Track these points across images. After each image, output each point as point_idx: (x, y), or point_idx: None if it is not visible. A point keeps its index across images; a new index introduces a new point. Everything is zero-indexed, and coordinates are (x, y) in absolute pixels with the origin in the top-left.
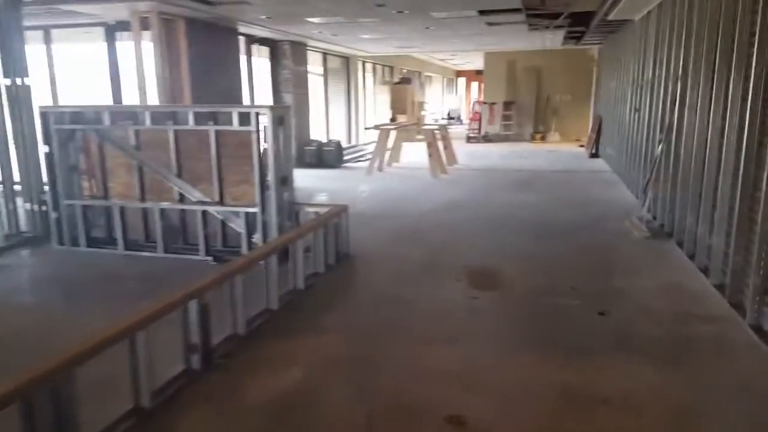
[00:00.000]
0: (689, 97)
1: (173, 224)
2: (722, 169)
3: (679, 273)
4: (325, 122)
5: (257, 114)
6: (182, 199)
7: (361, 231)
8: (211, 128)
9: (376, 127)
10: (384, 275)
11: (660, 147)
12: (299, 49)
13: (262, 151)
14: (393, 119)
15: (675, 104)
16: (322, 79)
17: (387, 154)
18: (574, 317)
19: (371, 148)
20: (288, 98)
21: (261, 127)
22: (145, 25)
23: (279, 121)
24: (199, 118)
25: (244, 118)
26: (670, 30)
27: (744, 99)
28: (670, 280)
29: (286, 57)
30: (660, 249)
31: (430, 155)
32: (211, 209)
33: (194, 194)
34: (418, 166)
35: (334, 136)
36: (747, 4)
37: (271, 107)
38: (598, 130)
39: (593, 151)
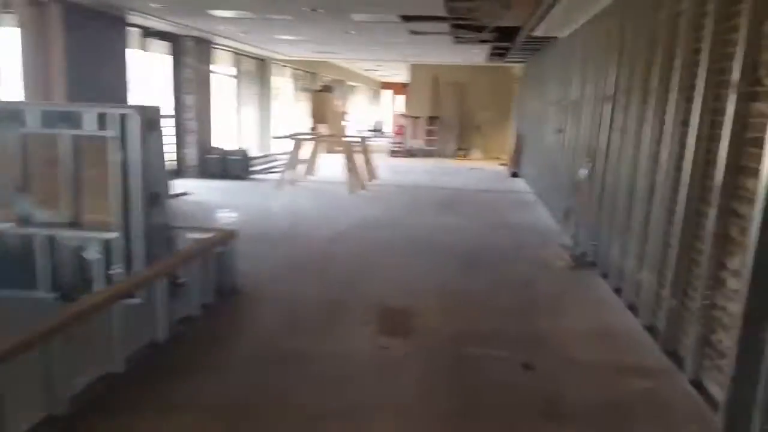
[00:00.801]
0: (618, 119)
1: (13, 250)
2: (656, 199)
3: (606, 311)
4: (236, 129)
5: (121, 116)
6: (27, 219)
7: (257, 259)
8: (64, 132)
9: (288, 137)
10: (276, 319)
11: (584, 171)
12: (204, 47)
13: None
14: (313, 129)
15: (602, 126)
16: (234, 81)
17: (301, 167)
18: (498, 374)
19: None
20: (190, 100)
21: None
22: (6, 4)
23: (149, 125)
24: (51, 118)
25: (110, 120)
26: (598, 47)
27: (684, 123)
28: (599, 321)
29: (188, 55)
30: (584, 282)
31: (348, 170)
32: (62, 233)
33: (41, 214)
34: (336, 181)
35: (246, 145)
36: (690, 17)
37: (138, 108)
38: (518, 150)
39: (514, 170)
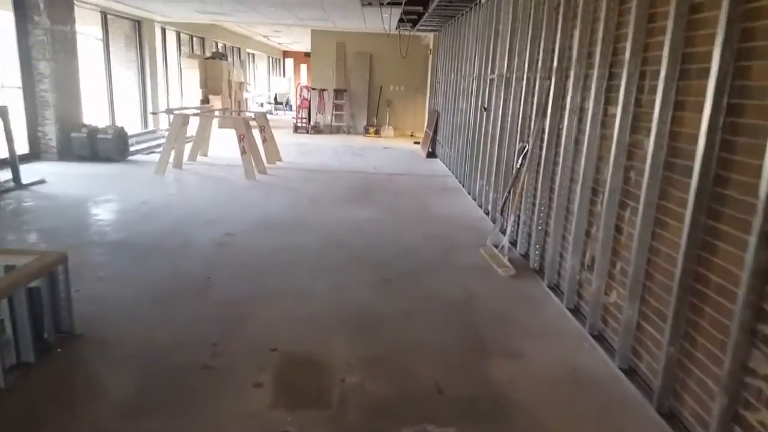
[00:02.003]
0: (570, 97)
1: None
2: (643, 199)
3: (570, 346)
4: (108, 102)
5: None
6: None
7: (114, 281)
8: None
9: (167, 112)
10: (122, 384)
11: (521, 158)
12: (60, 3)
13: None
14: (205, 101)
15: (546, 106)
16: (102, 45)
17: (189, 147)
18: None
19: None
20: (44, 68)
21: None
22: None
23: None
24: None
25: None
26: (538, 10)
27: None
28: (563, 362)
29: (39, 12)
30: (533, 297)
31: (242, 152)
32: None
33: None
34: (233, 163)
35: (126, 121)
36: None
37: None
38: (434, 128)
39: (430, 149)
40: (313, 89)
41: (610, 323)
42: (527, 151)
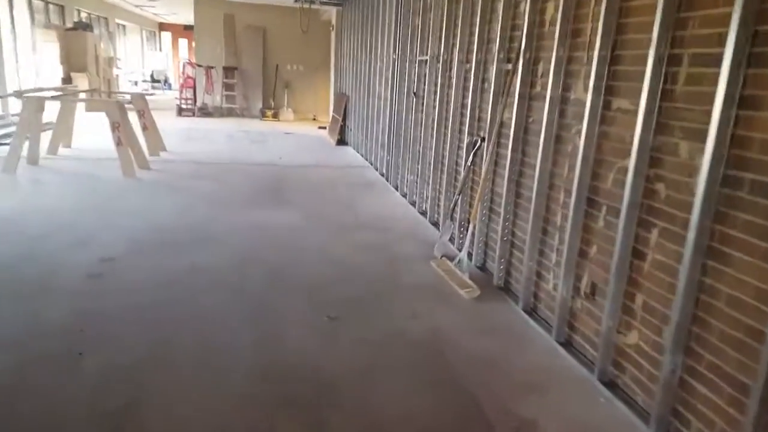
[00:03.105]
0: (551, 85)
1: None
2: (695, 222)
3: (583, 402)
4: None
5: None
6: None
7: None
8: None
9: (16, 95)
10: None
11: (472, 155)
12: None
13: None
14: (67, 80)
15: (506, 94)
16: None
17: (47, 136)
18: None
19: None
20: None
21: None
22: None
23: None
24: None
25: None
26: None
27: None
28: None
29: None
30: (511, 328)
31: (118, 143)
32: None
33: None
34: (106, 155)
35: None
36: None
37: None
38: (344, 113)
39: (339, 137)
40: (199, 66)
41: (629, 370)
42: (480, 146)
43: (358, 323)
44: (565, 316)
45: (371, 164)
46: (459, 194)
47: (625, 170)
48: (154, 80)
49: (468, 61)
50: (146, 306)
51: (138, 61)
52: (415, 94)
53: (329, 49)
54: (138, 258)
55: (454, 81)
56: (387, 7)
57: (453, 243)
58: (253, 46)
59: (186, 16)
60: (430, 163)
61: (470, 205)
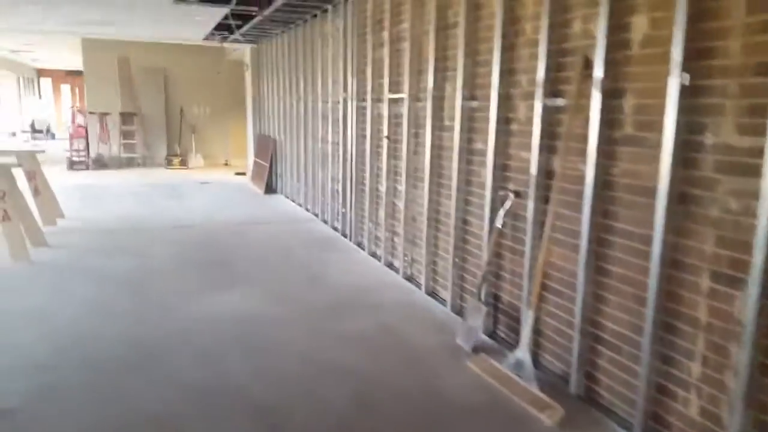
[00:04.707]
0: (629, 122)
1: None
2: None
3: None
4: None
5: None
6: None
7: None
8: None
9: None
10: None
11: (503, 212)
12: None
13: None
14: None
15: (550, 137)
16: None
17: None
18: None
19: None
20: None
21: None
22: None
23: None
24: None
25: None
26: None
27: None
28: None
29: None
30: None
31: (2, 219)
32: None
33: None
34: None
35: None
36: None
37: None
38: (271, 158)
39: (268, 183)
40: (91, 113)
41: None
42: (510, 203)
43: None
44: None
45: (318, 217)
46: (488, 265)
47: None
48: (35, 130)
49: (474, 98)
50: None
51: (16, 109)
52: (387, 137)
53: (241, 89)
54: (45, 404)
55: (446, 123)
56: (333, 42)
57: (480, 330)
58: (153, 89)
59: (70, 60)
60: (415, 219)
61: (535, 287)
